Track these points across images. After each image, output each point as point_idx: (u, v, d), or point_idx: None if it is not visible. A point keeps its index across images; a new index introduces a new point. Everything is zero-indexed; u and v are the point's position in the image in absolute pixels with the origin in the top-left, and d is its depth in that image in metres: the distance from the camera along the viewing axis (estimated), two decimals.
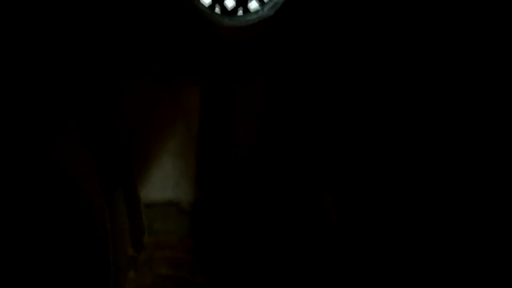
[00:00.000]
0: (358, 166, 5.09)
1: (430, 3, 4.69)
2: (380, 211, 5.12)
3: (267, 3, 5.21)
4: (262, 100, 5.00)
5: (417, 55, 4.91)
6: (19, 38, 4.47)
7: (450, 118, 5.08)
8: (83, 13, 4.45)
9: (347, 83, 4.98)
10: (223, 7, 5.37)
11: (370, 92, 5.00)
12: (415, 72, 4.97)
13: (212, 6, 5.31)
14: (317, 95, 4.98)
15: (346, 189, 5.10)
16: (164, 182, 4.86)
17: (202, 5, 5.12)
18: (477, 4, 4.67)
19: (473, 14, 4.70)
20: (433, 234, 5.08)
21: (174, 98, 4.91)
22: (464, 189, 5.06)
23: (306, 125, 5.06)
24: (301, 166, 5.13)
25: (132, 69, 4.77)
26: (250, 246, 5.11)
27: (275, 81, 4.97)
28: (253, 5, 5.43)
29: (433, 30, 4.80)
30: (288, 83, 4.95)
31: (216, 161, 5.04)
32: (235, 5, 5.40)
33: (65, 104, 4.75)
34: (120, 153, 4.83)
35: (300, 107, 5.02)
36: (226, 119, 5.03)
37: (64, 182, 5.03)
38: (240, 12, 5.41)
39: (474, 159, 5.04)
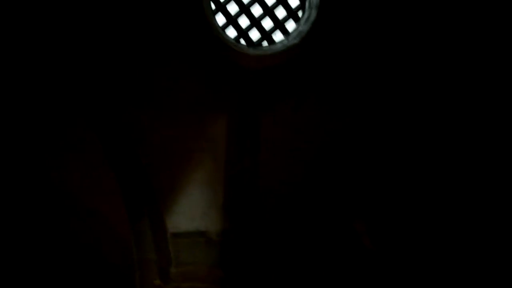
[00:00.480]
0: (392, 191, 4.93)
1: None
2: (416, 235, 4.90)
3: (291, 33, 5.27)
4: (289, 127, 4.94)
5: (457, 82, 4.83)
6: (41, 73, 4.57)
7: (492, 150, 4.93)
8: (107, 42, 4.54)
9: (376, 108, 4.91)
10: (248, 40, 5.46)
11: (402, 117, 4.90)
12: (453, 102, 4.86)
13: (237, 39, 5.41)
14: (346, 120, 4.91)
15: (380, 215, 4.92)
16: (191, 211, 4.77)
17: (228, 36, 5.20)
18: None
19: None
20: (470, 259, 4.83)
21: (200, 127, 4.89)
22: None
23: (335, 151, 4.96)
24: (332, 194, 4.99)
25: (158, 98, 4.80)
26: (281, 276, 4.90)
27: (301, 107, 4.93)
28: (278, 37, 5.53)
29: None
30: (314, 109, 4.90)
31: (244, 191, 4.94)
32: (260, 37, 5.48)
33: (92, 133, 4.77)
34: (147, 182, 4.79)
35: (328, 133, 4.93)
36: (253, 148, 4.97)
37: (90, 212, 4.98)
38: (265, 43, 5.48)
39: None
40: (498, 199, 4.91)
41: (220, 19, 5.35)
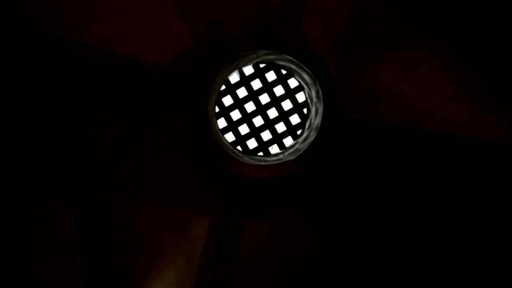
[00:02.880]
0: None
1: None
2: None
3: (288, 148, 5.35)
4: (271, 242, 4.81)
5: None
6: None
7: None
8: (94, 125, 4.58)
9: (362, 239, 4.85)
10: (245, 147, 5.52)
11: (386, 248, 4.83)
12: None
13: (234, 144, 5.47)
14: (331, 244, 4.80)
15: None
16: None
17: (226, 140, 5.26)
18: None
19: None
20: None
21: (181, 224, 4.76)
22: None
23: (316, 274, 4.80)
24: None
25: (144, 189, 4.71)
26: None
27: (286, 224, 4.84)
28: (274, 150, 5.60)
29: None
30: (299, 228, 4.81)
31: None
32: (256, 146, 5.55)
33: (69, 211, 4.62)
34: (111, 271, 4.55)
35: (311, 255, 4.80)
36: (231, 257, 4.81)
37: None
38: (260, 153, 5.53)
39: None
40: None
41: (221, 123, 5.47)
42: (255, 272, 4.77)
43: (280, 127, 5.55)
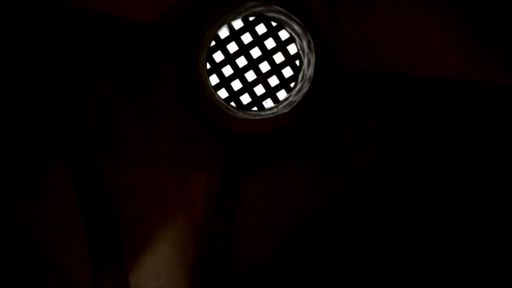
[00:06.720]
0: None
1: None
2: None
3: (281, 101, 5.32)
4: (269, 195, 4.86)
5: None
6: None
7: None
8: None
9: (359, 190, 4.90)
10: (239, 102, 5.50)
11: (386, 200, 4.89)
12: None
13: (227, 101, 5.44)
14: (327, 198, 4.85)
15: None
16: (157, 270, 4.58)
17: (219, 96, 5.23)
18: None
19: None
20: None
21: (179, 184, 4.79)
22: None
23: (315, 227, 4.87)
24: (307, 273, 4.86)
25: (140, 151, 4.72)
26: None
27: (283, 177, 4.88)
28: (268, 104, 5.58)
29: None
30: (297, 180, 4.85)
31: (215, 256, 4.77)
32: (250, 101, 5.52)
33: (68, 178, 4.64)
34: (115, 234, 4.61)
35: (308, 207, 4.86)
36: (231, 212, 4.86)
37: (50, 256, 4.71)
38: (254, 108, 5.52)
39: None
40: None
41: (213, 79, 5.42)
42: (255, 226, 4.83)
43: (273, 81, 5.51)
